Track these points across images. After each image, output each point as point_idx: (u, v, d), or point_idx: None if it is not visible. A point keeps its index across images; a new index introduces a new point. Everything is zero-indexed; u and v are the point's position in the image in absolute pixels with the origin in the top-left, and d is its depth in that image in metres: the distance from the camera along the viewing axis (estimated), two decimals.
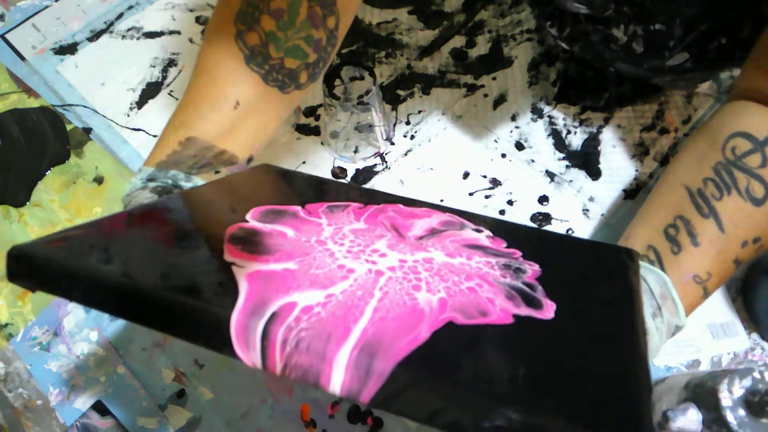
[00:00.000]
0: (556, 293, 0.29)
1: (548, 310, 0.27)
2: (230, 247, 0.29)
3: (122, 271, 0.25)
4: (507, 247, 0.34)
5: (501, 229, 0.37)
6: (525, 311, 0.27)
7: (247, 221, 0.32)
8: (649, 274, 0.36)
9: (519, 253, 0.33)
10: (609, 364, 0.24)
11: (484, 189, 0.57)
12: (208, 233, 0.32)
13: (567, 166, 0.58)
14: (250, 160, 0.44)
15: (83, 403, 0.51)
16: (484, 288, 0.28)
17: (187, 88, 0.42)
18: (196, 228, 0.33)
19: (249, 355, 0.23)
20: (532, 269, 0.31)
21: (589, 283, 0.32)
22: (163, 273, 0.26)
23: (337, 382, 0.22)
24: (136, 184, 0.38)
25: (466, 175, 0.58)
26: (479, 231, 0.36)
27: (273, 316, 0.23)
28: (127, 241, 0.28)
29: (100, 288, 0.24)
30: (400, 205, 0.38)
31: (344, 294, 0.25)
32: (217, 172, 0.41)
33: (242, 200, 0.36)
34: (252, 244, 0.29)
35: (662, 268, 0.37)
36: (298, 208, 0.36)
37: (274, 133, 0.45)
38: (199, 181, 0.40)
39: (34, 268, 0.25)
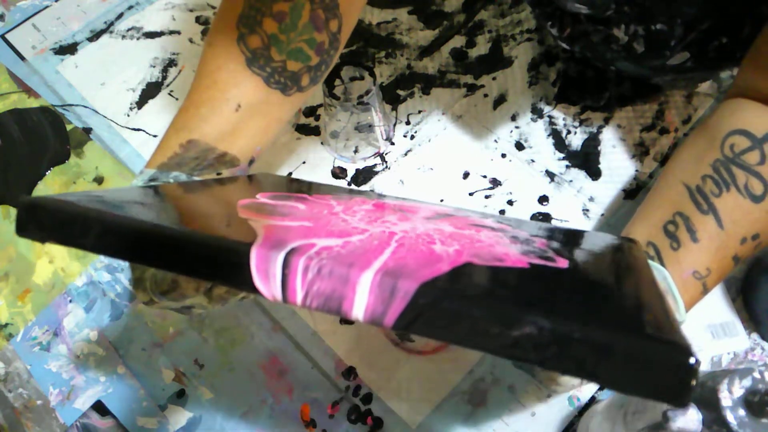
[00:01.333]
0: (566, 256, 0.29)
1: (562, 264, 0.27)
2: (243, 211, 0.29)
3: (136, 214, 0.25)
4: (512, 229, 0.35)
5: (504, 219, 0.37)
6: (539, 261, 0.27)
7: (256, 198, 0.32)
8: None
9: (525, 233, 0.34)
10: (629, 296, 0.24)
11: (484, 189, 0.57)
12: (220, 199, 0.32)
13: (567, 166, 0.58)
14: (251, 162, 0.44)
15: (83, 403, 0.51)
16: (496, 246, 0.29)
17: (189, 90, 0.42)
18: (207, 199, 0.33)
19: (269, 285, 0.22)
20: (540, 241, 0.32)
21: (596, 253, 0.32)
22: (179, 218, 0.26)
23: (360, 305, 0.21)
24: (138, 185, 0.38)
25: (466, 175, 0.58)
26: (484, 218, 0.37)
27: (293, 249, 0.23)
28: (139, 201, 0.28)
29: (115, 228, 0.24)
30: (403, 202, 0.39)
31: (361, 242, 0.25)
32: (218, 174, 0.41)
33: (248, 189, 0.37)
34: (265, 210, 0.30)
35: (662, 264, 0.37)
36: (305, 195, 0.36)
37: (276, 136, 0.45)
38: None
39: (45, 214, 0.25)
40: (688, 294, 0.37)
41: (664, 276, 0.36)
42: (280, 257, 0.22)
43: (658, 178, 0.44)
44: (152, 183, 0.38)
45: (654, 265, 0.37)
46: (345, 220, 0.29)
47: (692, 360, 0.18)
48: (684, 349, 0.18)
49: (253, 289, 0.23)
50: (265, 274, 0.22)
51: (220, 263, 0.23)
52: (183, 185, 0.35)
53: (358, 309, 0.21)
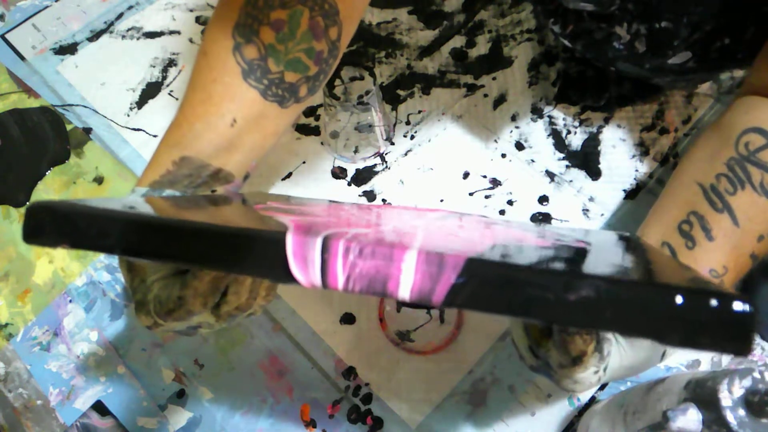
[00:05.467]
0: (582, 241, 0.29)
1: (582, 245, 0.27)
2: (264, 212, 0.28)
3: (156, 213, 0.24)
4: (520, 224, 0.35)
5: (507, 220, 0.38)
6: (561, 242, 0.27)
7: (269, 204, 0.32)
8: None
9: (534, 226, 0.34)
10: (660, 264, 0.24)
11: (484, 189, 0.57)
12: (233, 211, 0.31)
13: (567, 166, 0.58)
14: (246, 177, 0.43)
15: (83, 403, 0.51)
16: (515, 234, 0.29)
17: (182, 103, 0.41)
18: (222, 204, 0.32)
19: (308, 272, 0.22)
20: (549, 232, 0.32)
21: (608, 240, 0.32)
22: (203, 218, 0.25)
23: (406, 284, 0.21)
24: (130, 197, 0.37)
25: (466, 175, 0.58)
26: (485, 217, 0.37)
27: (329, 235, 0.22)
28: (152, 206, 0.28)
29: (139, 227, 0.23)
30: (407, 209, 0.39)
31: (390, 231, 0.25)
32: (213, 191, 0.39)
33: (254, 202, 0.36)
34: (285, 210, 0.29)
35: None
36: (315, 204, 0.36)
37: (272, 148, 0.44)
38: None
39: (59, 218, 0.23)
40: None
41: None
42: (318, 241, 0.21)
43: (671, 177, 0.43)
44: None
45: None
46: (364, 218, 0.29)
47: (749, 307, 0.18)
48: (741, 298, 0.18)
49: (289, 278, 0.22)
50: (303, 260, 0.21)
51: (253, 253, 0.22)
52: (177, 200, 0.34)
53: (405, 288, 0.21)
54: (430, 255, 0.20)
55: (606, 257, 0.26)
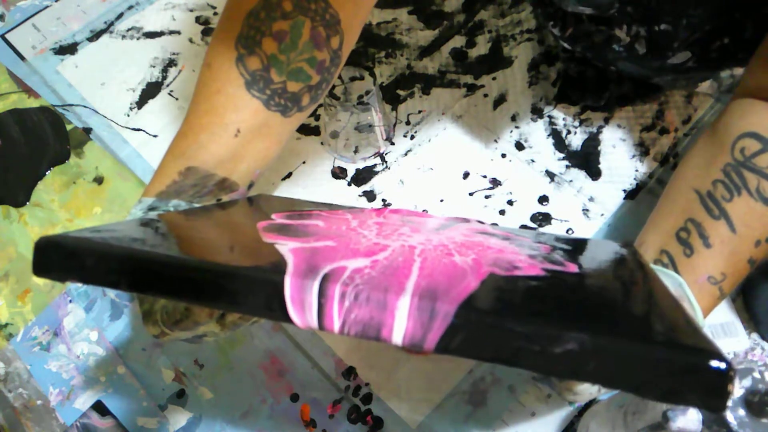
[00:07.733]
0: (573, 261, 0.29)
1: (571, 268, 0.28)
2: (266, 234, 0.28)
3: (164, 249, 0.25)
4: (515, 236, 0.35)
5: (505, 228, 0.38)
6: (550, 266, 0.27)
7: (273, 219, 0.32)
8: (663, 277, 0.36)
9: (528, 239, 0.34)
10: (649, 304, 0.25)
11: (484, 189, 0.57)
12: (240, 226, 0.32)
13: (567, 166, 0.58)
14: (251, 185, 0.43)
15: (83, 403, 0.51)
16: (507, 252, 0.29)
17: (187, 114, 0.41)
18: (225, 225, 0.33)
19: (304, 316, 0.22)
20: (543, 247, 0.32)
21: (601, 260, 0.32)
22: (205, 253, 0.26)
23: (399, 331, 0.21)
24: (136, 215, 0.37)
25: (466, 175, 0.58)
26: (482, 223, 0.37)
27: (326, 276, 0.22)
28: (158, 235, 0.28)
29: (145, 265, 0.23)
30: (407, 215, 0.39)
31: (387, 259, 0.25)
32: (218, 200, 0.40)
33: (257, 211, 0.36)
34: (287, 231, 0.29)
35: (676, 271, 0.37)
36: (318, 211, 0.36)
37: (276, 157, 0.45)
38: None
39: (66, 255, 0.24)
40: (705, 299, 0.37)
41: (679, 283, 0.36)
42: (315, 285, 0.22)
43: (668, 184, 0.43)
44: (151, 212, 0.37)
45: (669, 272, 0.37)
46: (365, 236, 0.29)
47: (725, 365, 0.18)
48: (718, 356, 0.19)
49: (287, 319, 0.22)
50: (301, 305, 0.22)
51: (253, 296, 0.23)
52: (188, 213, 0.34)
53: (398, 335, 0.21)
54: (422, 303, 0.21)
55: (598, 289, 0.26)
